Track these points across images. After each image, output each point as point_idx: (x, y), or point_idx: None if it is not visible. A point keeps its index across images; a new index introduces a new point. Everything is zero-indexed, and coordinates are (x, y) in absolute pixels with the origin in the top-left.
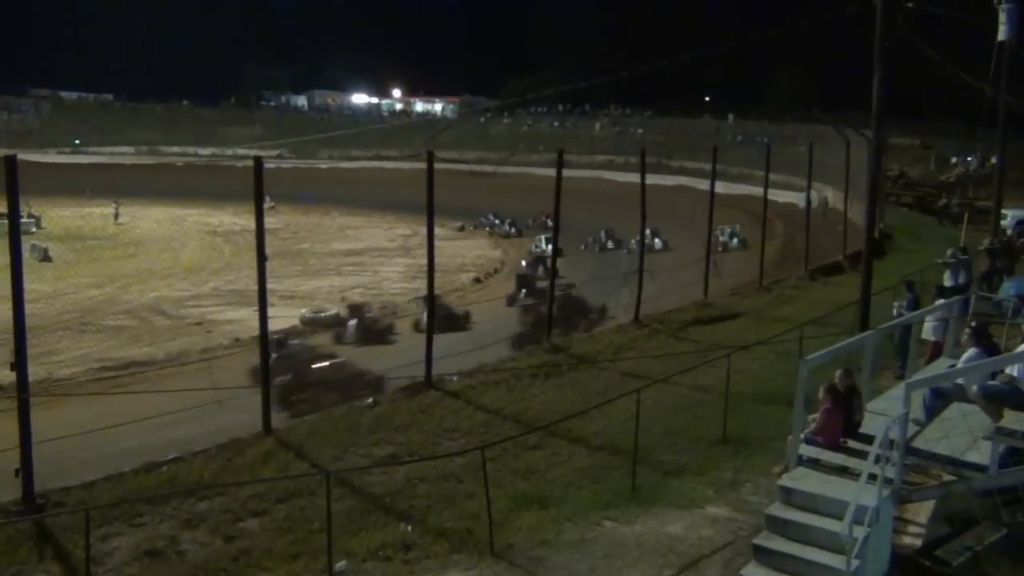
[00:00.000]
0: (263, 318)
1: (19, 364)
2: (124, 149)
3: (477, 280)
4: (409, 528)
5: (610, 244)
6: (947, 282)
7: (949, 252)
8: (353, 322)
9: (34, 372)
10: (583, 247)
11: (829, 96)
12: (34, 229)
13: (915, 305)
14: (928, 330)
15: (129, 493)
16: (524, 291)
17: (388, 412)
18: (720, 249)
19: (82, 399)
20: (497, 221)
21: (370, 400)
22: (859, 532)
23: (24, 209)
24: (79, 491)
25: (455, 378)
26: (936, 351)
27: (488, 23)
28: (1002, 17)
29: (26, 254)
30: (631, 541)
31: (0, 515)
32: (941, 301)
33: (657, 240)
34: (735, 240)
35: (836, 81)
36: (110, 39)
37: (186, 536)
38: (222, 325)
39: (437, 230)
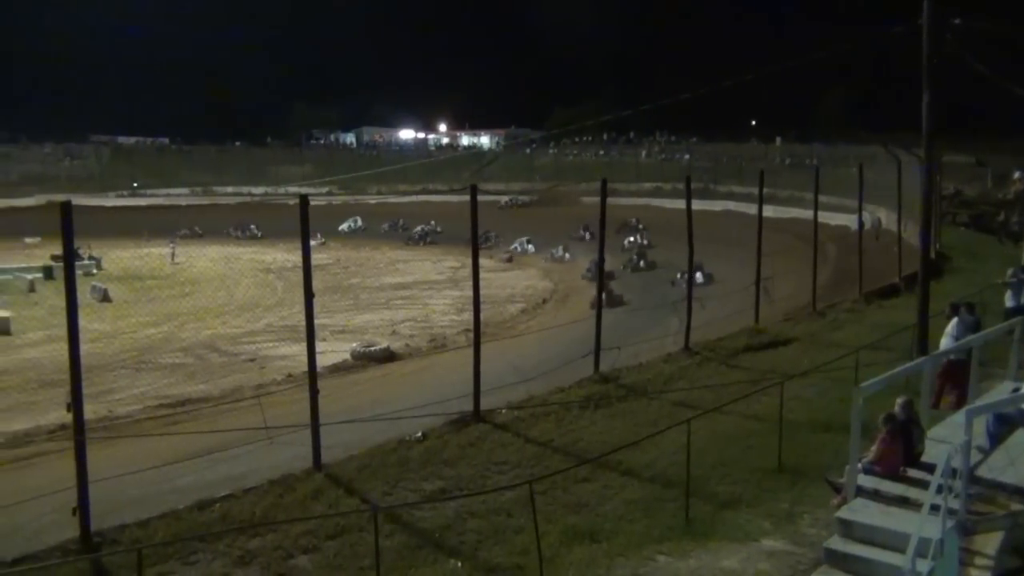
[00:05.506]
0: (311, 354)
1: (75, 406)
2: (180, 191)
3: (524, 311)
4: (459, 564)
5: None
6: (1008, 303)
7: (1010, 272)
8: None
9: (94, 411)
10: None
11: (878, 116)
12: (95, 271)
13: (975, 327)
14: (944, 345)
15: (183, 531)
16: None
17: (437, 446)
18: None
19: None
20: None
21: (420, 434)
22: (923, 566)
23: (85, 251)
24: (134, 529)
25: (504, 410)
26: (951, 369)
27: (531, 55)
28: None
29: (87, 295)
30: None
31: (59, 553)
32: (956, 320)
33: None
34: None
35: (885, 101)
36: (165, 85)
37: (239, 573)
38: (275, 361)
39: (484, 261)
